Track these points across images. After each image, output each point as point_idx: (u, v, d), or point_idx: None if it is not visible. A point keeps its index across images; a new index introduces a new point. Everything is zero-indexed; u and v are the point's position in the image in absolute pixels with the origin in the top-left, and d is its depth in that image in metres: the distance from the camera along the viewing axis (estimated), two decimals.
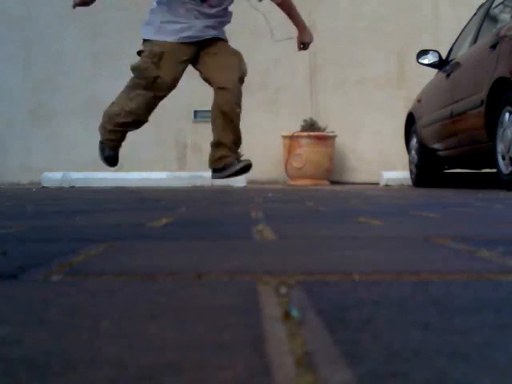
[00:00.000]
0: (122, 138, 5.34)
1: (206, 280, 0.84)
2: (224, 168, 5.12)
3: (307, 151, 8.49)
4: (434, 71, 6.88)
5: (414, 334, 0.55)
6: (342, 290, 0.76)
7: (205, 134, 8.99)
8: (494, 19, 5.99)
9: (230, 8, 5.03)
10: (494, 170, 5.18)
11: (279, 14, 5.43)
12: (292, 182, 8.59)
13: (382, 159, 9.07)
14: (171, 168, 8.86)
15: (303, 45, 5.34)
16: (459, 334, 0.55)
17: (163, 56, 4.94)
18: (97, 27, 9.24)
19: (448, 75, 6.16)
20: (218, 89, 4.92)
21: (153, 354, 0.49)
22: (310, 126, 8.67)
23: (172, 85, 5.00)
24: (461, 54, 6.19)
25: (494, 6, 5.96)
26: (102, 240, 1.34)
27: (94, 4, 5.08)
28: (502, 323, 0.59)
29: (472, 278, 0.85)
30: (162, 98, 5.09)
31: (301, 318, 0.61)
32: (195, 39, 4.89)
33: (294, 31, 5.38)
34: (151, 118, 5.34)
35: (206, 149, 9.73)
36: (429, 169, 6.93)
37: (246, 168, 5.15)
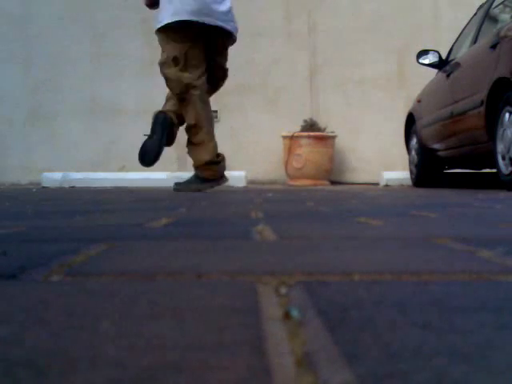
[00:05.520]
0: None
1: (206, 280, 0.84)
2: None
3: (307, 151, 8.49)
4: (434, 71, 6.88)
5: (413, 334, 0.55)
6: (342, 290, 0.76)
7: None
8: (494, 19, 6.00)
9: None
10: (494, 170, 5.18)
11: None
12: (292, 182, 8.59)
13: (382, 159, 9.07)
14: (171, 168, 8.86)
15: None
16: (459, 334, 0.55)
17: None
18: (97, 27, 9.24)
19: (448, 75, 6.17)
20: None
21: (153, 354, 0.49)
22: (310, 126, 8.67)
23: None
24: (461, 54, 6.19)
25: (494, 6, 5.97)
26: (102, 240, 1.34)
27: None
28: (502, 323, 0.59)
29: (472, 278, 0.85)
30: None
31: (301, 318, 0.61)
32: None
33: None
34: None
35: None
36: (429, 169, 6.93)
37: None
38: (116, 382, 0.43)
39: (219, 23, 5.00)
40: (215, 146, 5.18)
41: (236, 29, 5.16)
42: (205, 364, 0.47)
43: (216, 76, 5.26)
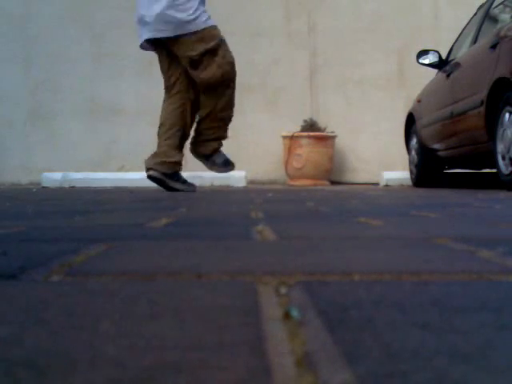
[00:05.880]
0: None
1: (206, 280, 0.84)
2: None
3: (307, 151, 8.49)
4: (434, 71, 6.88)
5: (413, 334, 0.55)
6: (342, 290, 0.76)
7: None
8: (494, 19, 6.00)
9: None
10: (494, 170, 5.18)
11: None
12: (292, 182, 8.59)
13: (382, 159, 9.07)
14: None
15: None
16: (459, 334, 0.55)
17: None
18: (97, 27, 9.24)
19: (448, 75, 6.16)
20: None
21: (153, 354, 0.49)
22: (310, 126, 8.67)
23: None
24: (461, 54, 6.19)
25: (494, 5, 5.96)
26: (102, 240, 1.34)
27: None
28: (502, 323, 0.59)
29: (472, 278, 0.85)
30: None
31: (301, 318, 0.61)
32: None
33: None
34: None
35: None
36: (429, 169, 6.93)
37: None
38: (116, 382, 0.43)
39: (148, 35, 5.26)
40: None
41: (169, 22, 5.10)
42: (205, 364, 0.47)
43: (189, 69, 5.24)
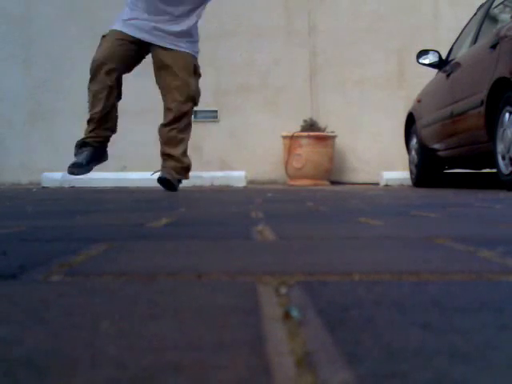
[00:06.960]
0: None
1: (206, 280, 0.84)
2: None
3: (307, 151, 8.48)
4: (434, 71, 6.88)
5: (414, 334, 0.55)
6: (342, 290, 0.76)
7: (205, 134, 9.01)
8: (494, 19, 6.00)
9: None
10: (494, 170, 5.18)
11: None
12: (292, 182, 8.59)
13: (381, 159, 9.07)
14: None
15: None
16: (459, 334, 0.55)
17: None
18: (97, 27, 9.23)
19: (448, 75, 6.16)
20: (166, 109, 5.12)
21: (153, 354, 0.49)
22: (310, 126, 8.66)
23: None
24: (461, 54, 6.19)
25: (494, 5, 5.96)
26: (102, 240, 1.34)
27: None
28: (502, 323, 0.59)
29: (472, 278, 0.85)
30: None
31: (301, 318, 0.61)
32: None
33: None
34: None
35: (206, 149, 9.73)
36: (429, 169, 6.93)
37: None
38: (116, 381, 0.43)
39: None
40: None
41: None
42: (205, 364, 0.47)
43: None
